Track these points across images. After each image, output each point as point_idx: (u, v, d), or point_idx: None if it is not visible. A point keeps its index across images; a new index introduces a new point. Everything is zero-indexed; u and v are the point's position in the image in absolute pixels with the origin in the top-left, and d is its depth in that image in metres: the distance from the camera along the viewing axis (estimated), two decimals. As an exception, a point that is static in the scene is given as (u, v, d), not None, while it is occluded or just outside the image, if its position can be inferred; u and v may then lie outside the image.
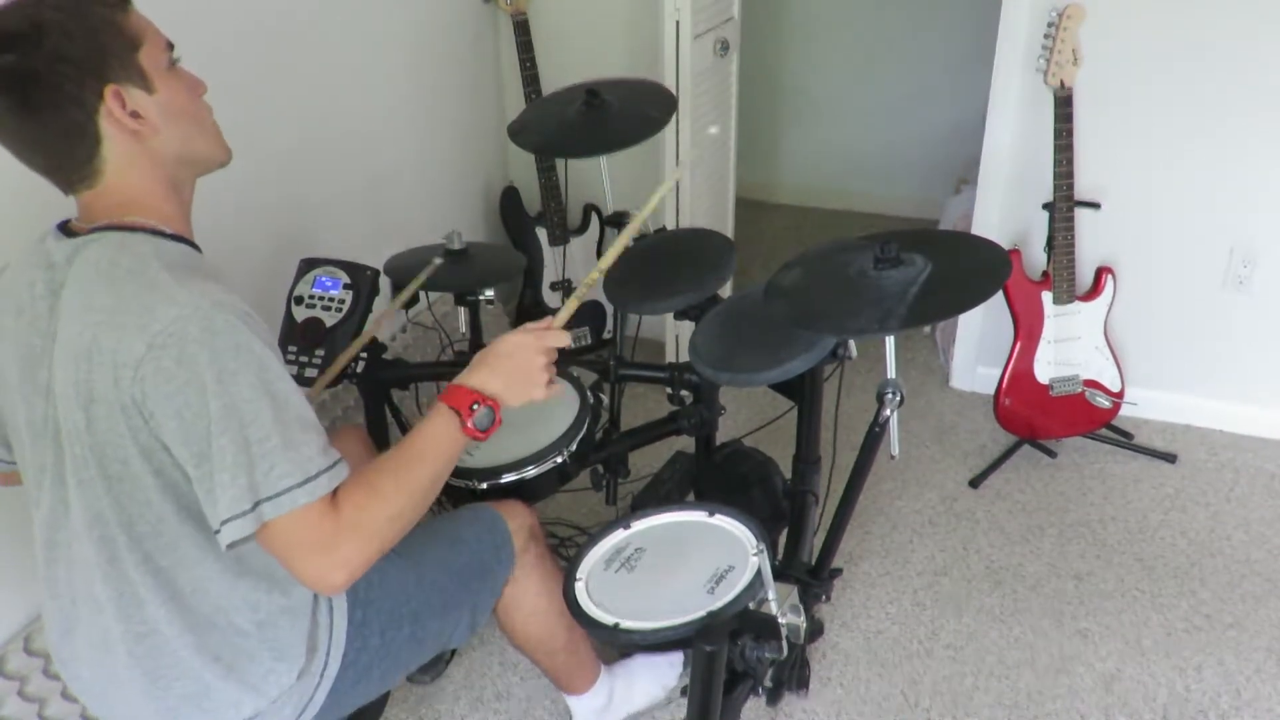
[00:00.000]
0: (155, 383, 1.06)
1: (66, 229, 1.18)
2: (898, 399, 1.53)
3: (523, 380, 1.30)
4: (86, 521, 1.17)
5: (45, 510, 1.22)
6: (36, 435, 1.19)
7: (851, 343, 1.62)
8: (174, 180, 1.20)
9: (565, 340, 1.35)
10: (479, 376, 1.29)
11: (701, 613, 1.33)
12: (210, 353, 1.05)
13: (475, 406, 1.25)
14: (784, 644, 1.36)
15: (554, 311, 1.43)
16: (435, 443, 1.23)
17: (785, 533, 1.91)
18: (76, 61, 1.08)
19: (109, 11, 1.12)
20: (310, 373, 1.83)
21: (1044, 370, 2.55)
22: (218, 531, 1.08)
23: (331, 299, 1.88)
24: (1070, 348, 2.54)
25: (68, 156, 1.13)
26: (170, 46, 1.19)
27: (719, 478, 2.06)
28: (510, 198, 3.09)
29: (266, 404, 1.07)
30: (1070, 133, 2.38)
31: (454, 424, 1.24)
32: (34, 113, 1.09)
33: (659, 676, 1.93)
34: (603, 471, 1.97)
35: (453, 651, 2.07)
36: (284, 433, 1.08)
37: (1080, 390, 2.58)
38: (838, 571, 1.89)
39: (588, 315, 3.11)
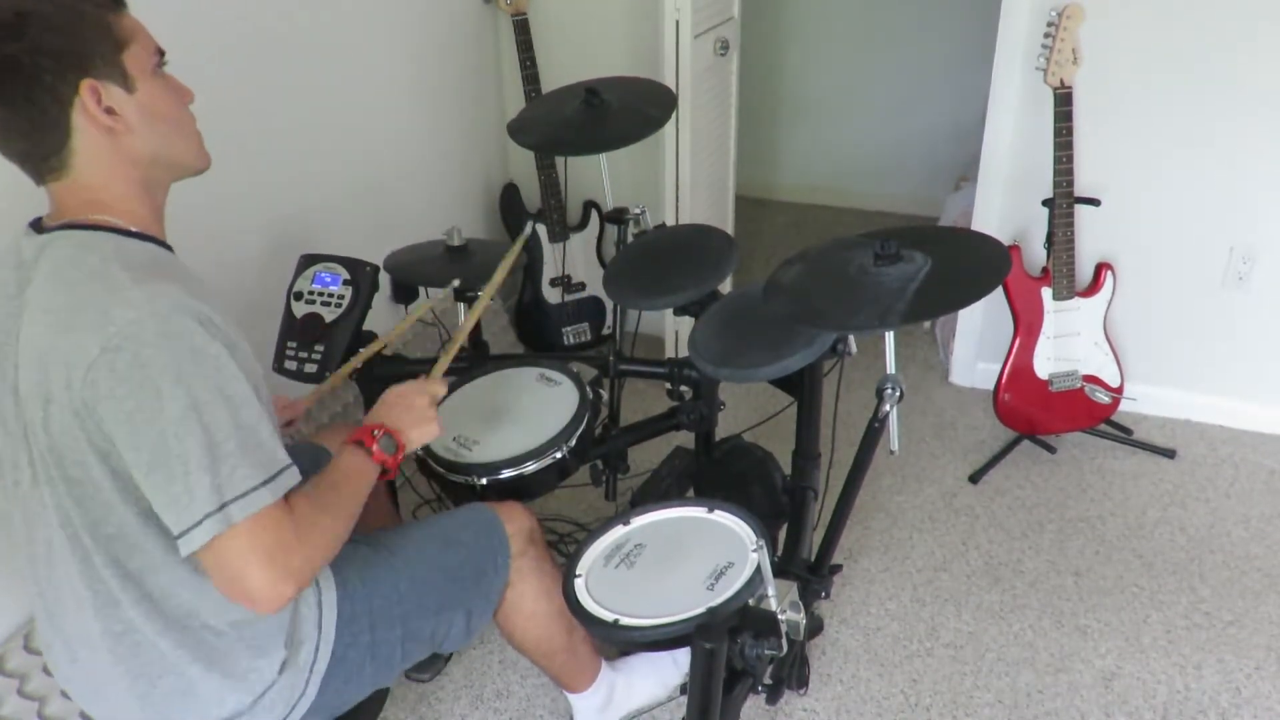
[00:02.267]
0: (108, 385, 1.05)
1: (38, 226, 1.19)
2: (897, 394, 1.53)
3: (411, 420, 1.40)
4: (59, 521, 1.17)
5: (23, 507, 1.22)
6: (10, 433, 1.19)
7: (851, 338, 1.62)
8: (147, 181, 1.20)
9: (442, 389, 1.48)
10: (377, 416, 1.41)
11: (701, 609, 1.33)
12: (167, 356, 1.05)
13: (376, 433, 1.34)
14: (783, 641, 1.36)
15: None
16: (348, 469, 1.31)
17: (785, 529, 1.91)
18: (56, 53, 1.08)
19: (98, 10, 1.12)
20: (309, 368, 1.83)
21: (1044, 366, 2.55)
22: (179, 538, 1.08)
23: (331, 295, 1.88)
24: (1070, 343, 2.54)
25: (38, 145, 1.13)
26: (160, 53, 1.19)
27: (718, 473, 2.06)
28: (510, 195, 3.10)
29: (223, 407, 1.08)
30: (1070, 130, 2.38)
31: (360, 453, 1.33)
32: (8, 100, 1.09)
33: (661, 675, 1.92)
34: (602, 467, 1.97)
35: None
36: (241, 436, 1.10)
37: (1080, 386, 2.58)
38: (837, 568, 1.89)
39: (588, 311, 3.11)
